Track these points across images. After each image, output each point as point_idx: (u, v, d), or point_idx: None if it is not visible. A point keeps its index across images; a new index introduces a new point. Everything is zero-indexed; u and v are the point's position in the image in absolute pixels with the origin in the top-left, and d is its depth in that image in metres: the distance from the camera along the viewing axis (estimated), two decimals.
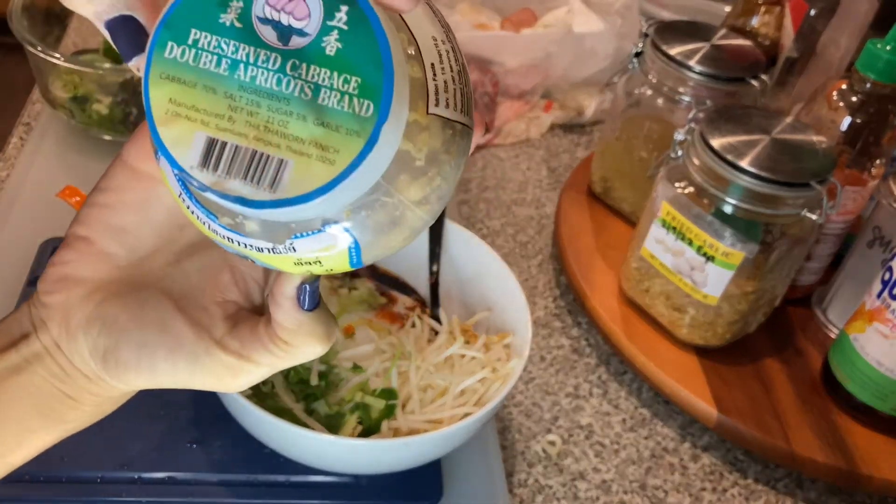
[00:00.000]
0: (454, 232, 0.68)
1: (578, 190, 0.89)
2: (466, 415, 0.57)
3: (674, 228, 0.68)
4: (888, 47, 0.67)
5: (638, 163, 0.83)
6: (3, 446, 0.32)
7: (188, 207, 0.27)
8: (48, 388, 0.31)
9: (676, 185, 0.68)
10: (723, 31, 0.81)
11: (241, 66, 0.25)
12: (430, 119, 0.25)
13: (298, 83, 0.24)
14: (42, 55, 0.80)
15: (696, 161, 0.66)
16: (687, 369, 0.71)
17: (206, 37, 0.25)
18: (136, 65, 0.26)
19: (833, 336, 0.76)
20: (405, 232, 0.26)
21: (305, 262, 0.27)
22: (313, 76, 0.24)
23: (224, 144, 0.25)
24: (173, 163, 0.25)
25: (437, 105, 0.25)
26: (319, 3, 0.24)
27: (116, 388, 0.32)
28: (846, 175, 0.71)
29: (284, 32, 0.24)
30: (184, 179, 0.25)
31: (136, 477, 0.57)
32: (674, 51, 0.76)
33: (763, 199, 0.64)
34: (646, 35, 0.80)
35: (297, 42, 0.24)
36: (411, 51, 0.25)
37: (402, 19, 0.25)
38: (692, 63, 0.76)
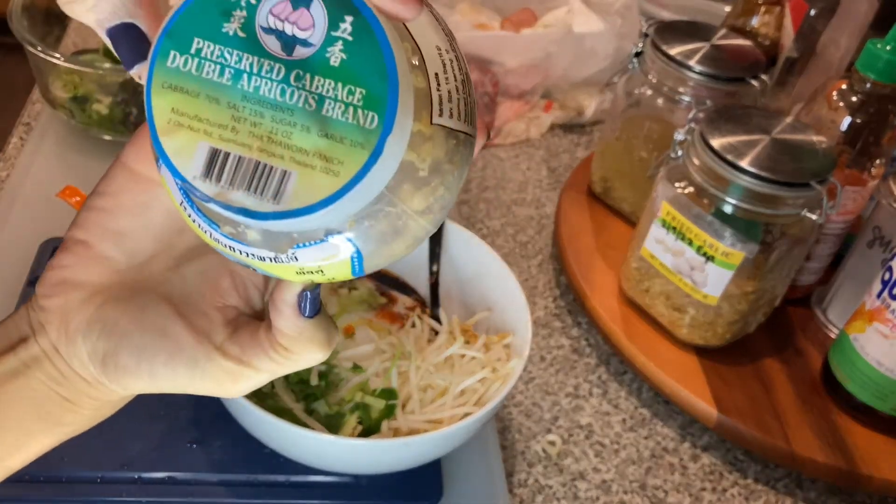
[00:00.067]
0: (454, 232, 0.68)
1: (578, 190, 0.89)
2: (466, 415, 0.57)
3: (674, 228, 0.68)
4: (888, 47, 0.67)
5: (638, 163, 0.83)
6: (1, 450, 0.32)
7: (189, 216, 0.27)
8: (47, 391, 0.31)
9: (676, 185, 0.68)
10: (723, 31, 0.81)
11: (245, 76, 0.24)
12: (434, 129, 0.25)
13: (302, 94, 0.24)
14: (42, 55, 0.81)
15: (696, 161, 0.66)
16: (687, 369, 0.71)
17: (208, 46, 0.25)
18: (138, 72, 0.26)
19: (833, 336, 0.76)
20: (408, 241, 0.26)
21: (307, 272, 0.27)
22: (317, 87, 0.24)
23: (227, 155, 0.25)
24: (176, 173, 0.25)
25: (440, 115, 0.25)
26: (324, 14, 0.24)
27: (115, 392, 0.32)
28: (846, 175, 0.71)
29: (288, 42, 0.24)
30: (186, 190, 0.25)
31: (136, 477, 0.57)
32: (674, 51, 0.76)
33: (763, 199, 0.64)
34: (646, 35, 0.80)
35: (301, 52, 0.24)
36: (415, 60, 0.25)
37: (406, 28, 0.25)
38: (692, 63, 0.76)
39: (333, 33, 0.24)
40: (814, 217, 0.64)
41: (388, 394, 0.59)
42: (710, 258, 0.67)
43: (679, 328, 0.72)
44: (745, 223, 0.65)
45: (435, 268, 0.69)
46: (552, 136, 1.04)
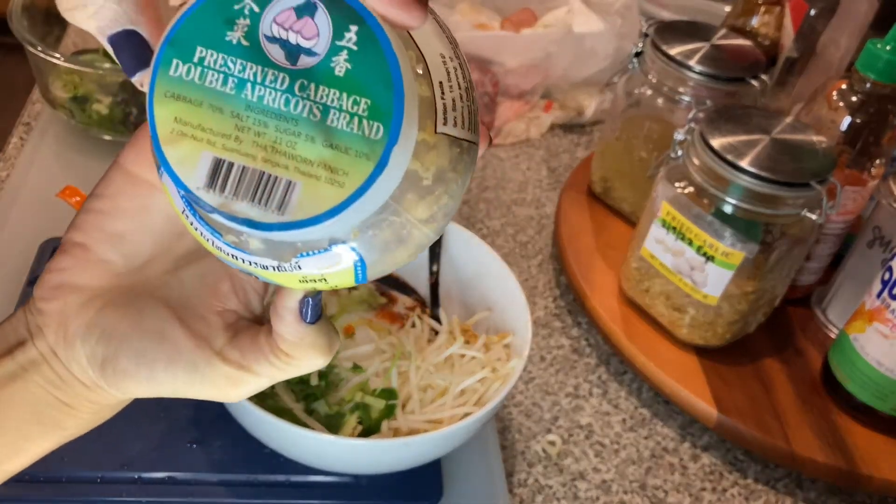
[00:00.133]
0: (454, 232, 0.68)
1: (578, 190, 0.89)
2: (466, 415, 0.57)
3: (674, 228, 0.68)
4: (888, 47, 0.67)
5: (638, 163, 0.83)
6: (0, 453, 0.32)
7: (191, 224, 0.27)
8: (45, 395, 0.31)
9: (676, 185, 0.68)
10: (723, 31, 0.81)
11: (249, 85, 0.24)
12: (438, 138, 0.25)
13: (307, 104, 0.24)
14: (42, 55, 0.81)
15: (696, 161, 0.66)
16: (687, 369, 0.71)
17: (212, 55, 0.24)
18: (140, 80, 0.26)
19: (833, 336, 0.76)
20: (411, 249, 0.26)
21: (310, 280, 0.27)
22: (322, 97, 0.24)
23: (231, 165, 0.24)
24: (179, 183, 0.25)
25: (445, 124, 0.25)
26: (328, 23, 0.24)
27: (114, 396, 0.32)
28: (846, 175, 0.71)
29: (292, 52, 0.24)
30: (189, 199, 0.25)
31: (136, 477, 0.57)
32: (674, 51, 0.76)
33: (763, 199, 0.64)
34: (646, 35, 0.80)
35: (305, 62, 0.24)
36: (420, 69, 0.24)
37: (410, 36, 0.25)
38: (692, 63, 0.76)
39: (338, 43, 0.24)
40: (814, 217, 0.64)
41: (388, 394, 0.59)
42: (710, 258, 0.67)
43: (679, 328, 0.72)
44: (745, 223, 0.65)
45: (435, 268, 0.69)
46: (552, 136, 1.04)
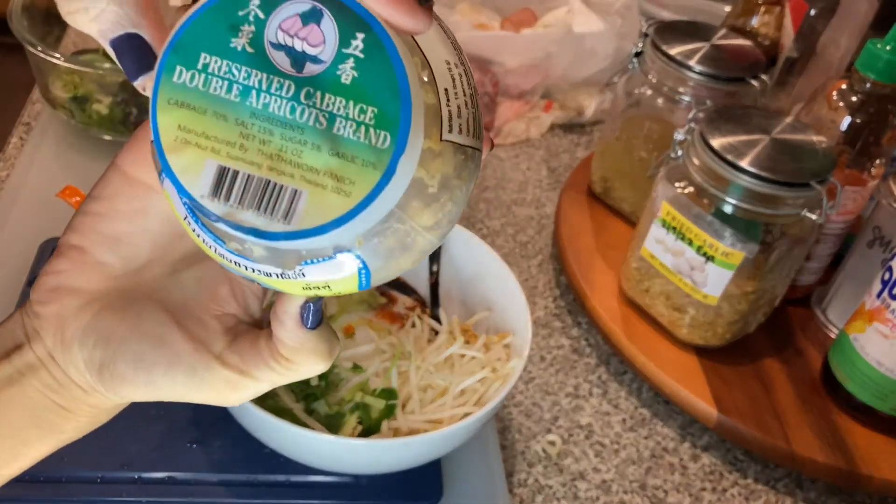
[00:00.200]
0: (454, 232, 0.68)
1: (578, 190, 0.89)
2: (466, 415, 0.57)
3: (674, 228, 0.68)
4: (888, 47, 0.67)
5: (638, 163, 0.83)
6: None
7: (193, 230, 0.26)
8: (42, 399, 0.31)
9: (676, 185, 0.68)
10: (723, 31, 0.81)
11: (254, 92, 0.24)
12: (444, 146, 0.25)
13: (313, 112, 0.24)
14: (42, 55, 0.81)
15: (696, 161, 0.66)
16: (687, 369, 0.71)
17: (216, 61, 0.24)
18: (143, 84, 0.26)
19: (833, 336, 0.76)
20: (415, 255, 0.26)
21: (314, 287, 0.26)
22: (328, 105, 0.24)
23: (236, 173, 0.24)
24: (183, 192, 0.25)
25: (450, 131, 0.25)
26: (335, 30, 0.23)
27: (112, 399, 0.31)
28: (846, 175, 0.71)
29: (298, 59, 0.24)
30: (193, 208, 0.25)
31: (136, 477, 0.57)
32: (674, 51, 0.76)
33: (763, 199, 0.64)
34: (646, 35, 0.80)
35: (311, 69, 0.24)
36: (425, 76, 0.24)
37: (416, 42, 0.25)
38: (692, 63, 0.76)
39: (345, 50, 0.23)
40: (814, 217, 0.64)
41: (388, 394, 0.59)
42: (710, 258, 0.67)
43: (679, 328, 0.72)
44: (745, 223, 0.65)
45: (435, 268, 0.69)
46: (552, 136, 1.04)
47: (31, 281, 0.69)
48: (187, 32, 0.24)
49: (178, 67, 0.24)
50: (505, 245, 0.87)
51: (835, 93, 0.71)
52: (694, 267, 0.68)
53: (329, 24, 0.24)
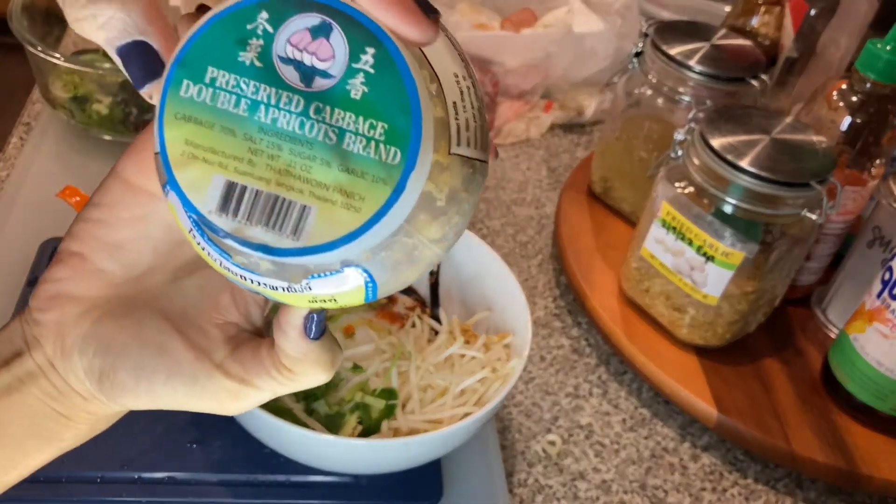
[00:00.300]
0: None
1: (578, 190, 0.89)
2: (466, 415, 0.57)
3: (674, 228, 0.68)
4: (888, 47, 0.67)
5: (638, 163, 0.83)
6: None
7: (199, 244, 0.26)
8: (42, 407, 0.31)
9: (676, 185, 0.68)
10: (723, 31, 0.81)
11: (262, 107, 0.24)
12: (452, 159, 0.24)
13: (322, 127, 0.23)
14: (42, 55, 0.81)
15: (696, 161, 0.66)
16: (687, 369, 0.71)
17: (223, 75, 0.24)
18: (149, 92, 0.25)
19: (833, 336, 0.76)
20: (421, 268, 0.26)
21: (320, 300, 0.26)
22: (338, 120, 0.23)
23: (244, 189, 0.24)
24: (190, 207, 0.24)
25: (458, 145, 0.25)
26: (344, 44, 0.23)
27: (112, 407, 0.31)
28: (846, 175, 0.71)
29: (307, 73, 0.23)
30: (201, 223, 0.25)
31: (136, 477, 0.57)
32: (674, 51, 0.76)
33: (763, 199, 0.64)
34: (646, 35, 0.80)
35: (320, 84, 0.23)
36: (434, 89, 0.24)
37: (424, 55, 0.24)
38: (692, 63, 0.76)
39: (355, 65, 0.23)
40: (814, 217, 0.64)
41: (388, 394, 0.59)
42: (710, 258, 0.67)
43: (679, 328, 0.72)
44: (745, 223, 0.65)
45: (435, 268, 0.69)
46: (552, 136, 1.04)
47: (31, 281, 0.69)
48: (194, 46, 0.24)
49: (186, 81, 0.24)
50: (505, 245, 0.87)
51: (835, 93, 0.71)
52: (694, 267, 0.68)
53: (339, 39, 0.23)
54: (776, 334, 0.77)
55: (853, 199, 0.72)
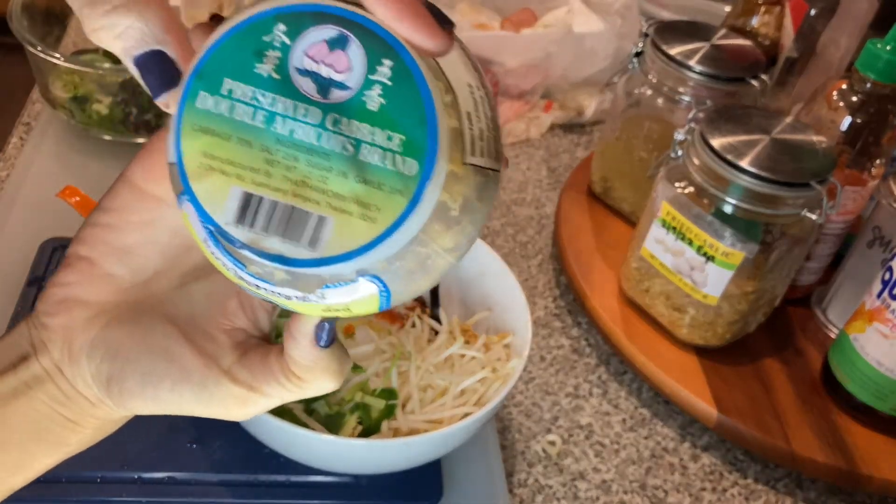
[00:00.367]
0: None
1: (578, 190, 0.89)
2: (466, 415, 0.57)
3: (674, 228, 0.68)
4: (888, 47, 0.67)
5: (638, 163, 0.83)
6: (3, 471, 0.31)
7: (213, 254, 0.26)
8: (49, 412, 0.31)
9: (676, 185, 0.68)
10: (723, 31, 0.81)
11: (279, 119, 0.24)
12: (466, 169, 0.24)
13: (339, 139, 0.23)
14: (42, 55, 0.81)
15: (696, 161, 0.66)
16: (687, 369, 0.71)
17: (240, 87, 0.24)
18: (166, 101, 0.25)
19: (833, 336, 0.76)
20: (434, 276, 0.26)
21: (334, 309, 0.26)
22: (355, 132, 0.23)
23: (261, 200, 0.24)
24: (208, 219, 0.24)
25: (472, 155, 0.25)
26: (362, 56, 0.23)
27: (119, 412, 0.31)
28: (846, 175, 0.71)
29: (324, 85, 0.24)
30: (217, 234, 0.25)
31: (136, 477, 0.57)
32: (674, 51, 0.76)
33: (763, 199, 0.64)
34: (646, 35, 0.80)
35: (337, 95, 0.23)
36: (448, 100, 0.24)
37: (439, 66, 0.24)
38: (692, 63, 0.76)
39: (372, 77, 0.23)
40: (814, 217, 0.64)
41: (388, 394, 0.59)
42: (710, 258, 0.67)
43: (679, 328, 0.72)
44: (745, 223, 0.65)
45: None
46: (552, 136, 1.04)
47: (31, 281, 0.69)
48: (212, 58, 0.24)
49: (203, 93, 0.24)
50: (505, 245, 0.87)
51: (835, 93, 0.71)
52: (694, 267, 0.68)
53: (356, 51, 0.23)
54: (776, 334, 0.77)
55: (853, 199, 0.72)
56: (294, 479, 0.58)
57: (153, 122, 0.85)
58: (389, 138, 0.23)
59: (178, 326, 0.31)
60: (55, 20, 0.93)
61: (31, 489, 0.54)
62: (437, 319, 0.67)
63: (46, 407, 0.31)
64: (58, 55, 0.80)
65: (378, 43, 0.23)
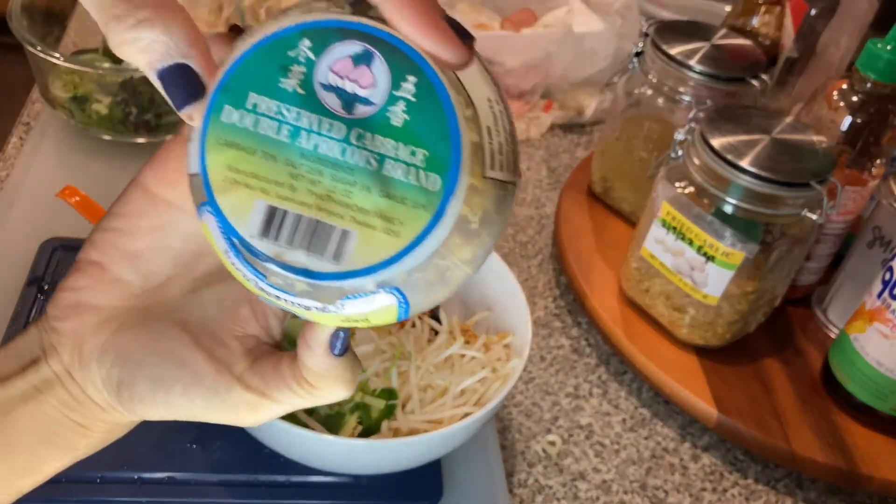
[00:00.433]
0: None
1: (578, 190, 0.89)
2: (466, 415, 0.57)
3: (674, 228, 0.68)
4: (888, 47, 0.67)
5: (638, 163, 0.83)
6: (12, 474, 0.31)
7: (233, 265, 0.26)
8: (59, 416, 0.31)
9: (676, 185, 0.68)
10: (723, 31, 0.81)
11: (303, 133, 0.24)
12: (486, 183, 0.25)
13: (363, 153, 0.24)
14: (42, 55, 0.80)
15: (696, 161, 0.66)
16: (687, 369, 0.71)
17: (265, 102, 0.24)
18: (189, 114, 0.26)
19: (833, 336, 0.76)
20: (452, 287, 0.26)
21: (353, 320, 0.26)
22: (379, 147, 0.24)
23: (285, 213, 0.24)
24: (232, 232, 0.25)
25: (492, 168, 0.25)
26: (386, 72, 0.24)
27: (128, 417, 0.31)
28: (846, 175, 0.71)
29: (349, 101, 0.24)
30: (240, 246, 0.25)
31: (136, 477, 0.56)
32: (674, 50, 0.76)
33: (763, 199, 0.64)
34: (646, 35, 0.80)
35: (361, 111, 0.24)
36: (469, 114, 0.24)
37: (459, 79, 0.25)
38: (692, 63, 0.76)
39: (396, 93, 0.24)
40: (814, 217, 0.64)
41: (388, 394, 0.59)
42: (710, 258, 0.67)
43: (679, 328, 0.72)
44: (745, 223, 0.65)
45: None
46: (552, 136, 1.04)
47: (31, 281, 0.69)
48: (237, 72, 0.25)
49: (228, 107, 0.25)
50: (505, 245, 0.87)
51: (835, 93, 0.71)
52: (694, 267, 0.68)
53: (380, 66, 0.24)
54: (776, 334, 0.77)
55: (853, 199, 0.72)
56: (294, 479, 0.58)
57: (153, 122, 0.85)
58: (413, 153, 0.24)
59: (190, 332, 0.31)
60: (55, 20, 0.93)
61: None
62: (437, 319, 0.67)
63: (56, 411, 0.31)
64: (57, 55, 0.80)
65: (402, 59, 0.24)
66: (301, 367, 0.30)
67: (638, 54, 0.81)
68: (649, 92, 0.80)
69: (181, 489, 0.57)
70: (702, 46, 0.77)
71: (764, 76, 0.77)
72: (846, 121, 0.70)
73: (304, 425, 0.55)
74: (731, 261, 0.66)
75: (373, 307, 0.25)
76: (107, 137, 0.86)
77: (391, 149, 0.24)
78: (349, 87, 0.24)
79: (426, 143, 0.24)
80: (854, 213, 0.74)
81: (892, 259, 0.65)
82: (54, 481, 0.54)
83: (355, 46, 0.24)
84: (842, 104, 0.70)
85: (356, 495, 0.58)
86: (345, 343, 0.30)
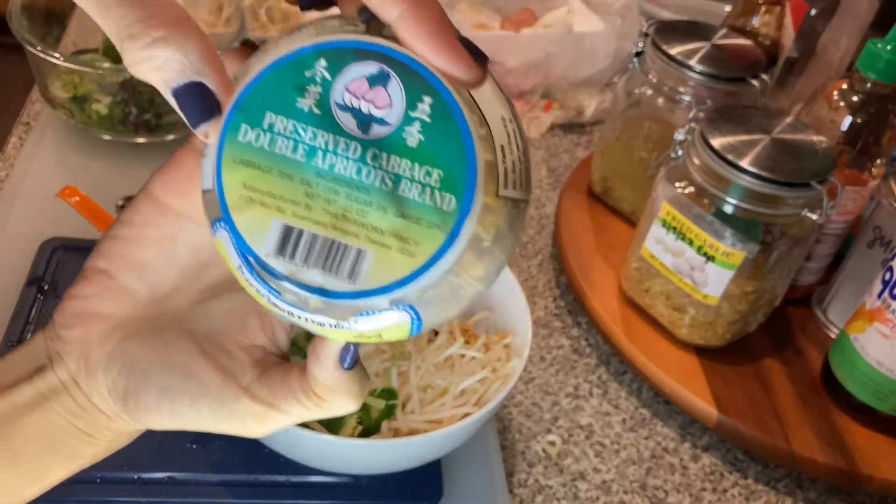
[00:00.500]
0: None
1: (578, 190, 0.89)
2: (466, 415, 0.57)
3: (674, 228, 0.68)
4: (888, 47, 0.67)
5: (638, 163, 0.82)
6: (17, 481, 0.31)
7: (247, 281, 0.26)
8: (64, 424, 0.31)
9: (676, 185, 0.68)
10: (723, 31, 0.81)
11: (319, 153, 0.24)
12: (499, 201, 0.25)
13: (379, 173, 0.24)
14: (42, 55, 0.80)
15: (696, 161, 0.66)
16: (687, 369, 0.71)
17: (281, 121, 0.24)
18: (204, 132, 0.26)
19: (833, 336, 0.76)
20: (464, 303, 0.26)
21: (365, 336, 0.27)
22: (394, 167, 0.24)
23: (301, 232, 0.25)
24: (248, 250, 0.25)
25: (505, 187, 0.25)
26: (402, 93, 0.24)
27: (134, 426, 0.31)
28: (846, 175, 0.71)
29: (364, 121, 0.24)
30: (254, 264, 0.25)
31: (136, 477, 0.56)
32: (674, 50, 0.76)
33: (763, 199, 0.64)
34: (646, 35, 0.80)
35: (377, 131, 0.24)
36: (483, 133, 0.25)
37: (473, 98, 0.25)
38: (692, 63, 0.76)
39: (411, 113, 0.24)
40: (814, 217, 0.64)
41: (388, 394, 0.59)
42: (710, 258, 0.67)
43: (679, 328, 0.72)
44: (745, 223, 0.65)
45: None
46: (552, 136, 1.04)
47: (31, 281, 0.69)
48: (253, 91, 0.25)
49: (244, 126, 0.25)
50: None
51: (835, 93, 0.71)
52: (694, 267, 0.68)
53: (396, 87, 0.24)
54: (776, 334, 0.77)
55: (853, 199, 0.72)
56: (294, 479, 0.58)
57: (153, 122, 0.85)
58: (428, 174, 0.24)
59: (197, 343, 0.31)
60: (55, 20, 0.93)
61: None
62: None
63: (62, 419, 0.31)
64: (57, 55, 0.80)
65: (417, 79, 0.24)
66: (310, 379, 0.30)
67: (638, 54, 0.81)
68: (649, 92, 0.80)
69: (181, 489, 0.57)
70: (702, 46, 0.77)
71: (764, 76, 0.77)
72: (846, 121, 0.70)
73: (304, 425, 0.55)
74: (731, 261, 0.66)
75: (386, 324, 0.26)
76: (107, 137, 0.86)
77: (406, 169, 0.24)
78: (365, 107, 0.24)
79: (441, 163, 0.24)
80: (854, 213, 0.74)
81: (892, 259, 0.65)
82: None
83: (371, 67, 0.24)
84: (842, 104, 0.70)
85: (356, 495, 0.58)
86: (354, 357, 0.30)
